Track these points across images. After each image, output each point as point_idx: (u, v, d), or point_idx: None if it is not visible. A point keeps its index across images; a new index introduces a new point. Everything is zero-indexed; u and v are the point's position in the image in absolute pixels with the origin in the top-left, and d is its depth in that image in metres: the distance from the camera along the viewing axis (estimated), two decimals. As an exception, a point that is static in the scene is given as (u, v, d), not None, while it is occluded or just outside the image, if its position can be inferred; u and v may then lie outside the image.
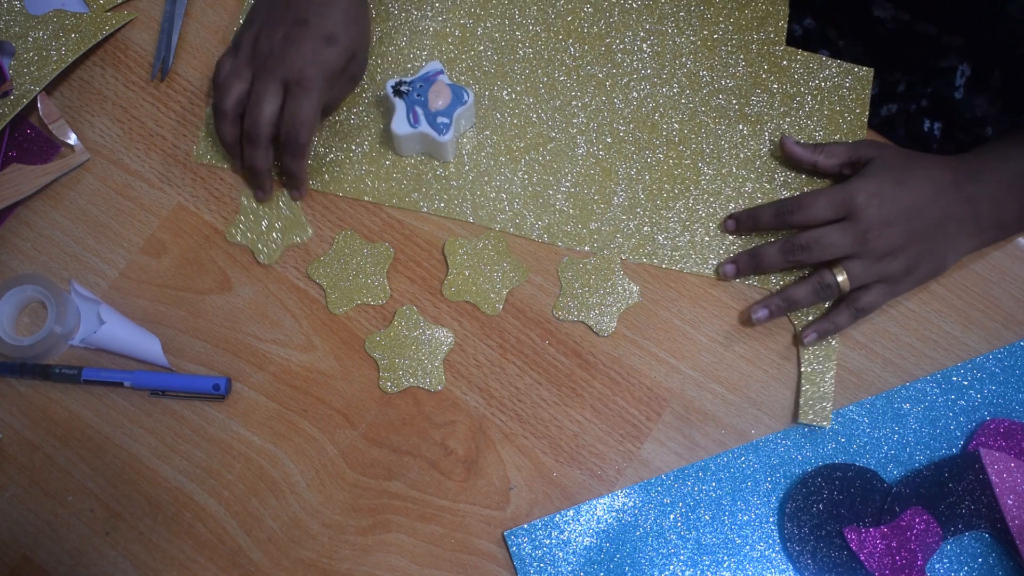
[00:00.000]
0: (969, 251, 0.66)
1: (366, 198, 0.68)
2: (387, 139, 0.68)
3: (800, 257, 0.63)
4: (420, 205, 0.68)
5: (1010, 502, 0.60)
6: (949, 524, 0.61)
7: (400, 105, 0.65)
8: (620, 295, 0.67)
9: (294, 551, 0.63)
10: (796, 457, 0.64)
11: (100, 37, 0.72)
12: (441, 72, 0.66)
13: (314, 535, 0.64)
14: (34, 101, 0.70)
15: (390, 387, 0.65)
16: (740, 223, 0.67)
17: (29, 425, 0.66)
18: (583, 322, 0.66)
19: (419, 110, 0.65)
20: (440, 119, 0.65)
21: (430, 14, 0.72)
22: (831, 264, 0.63)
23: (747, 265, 0.66)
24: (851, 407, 0.65)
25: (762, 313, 0.65)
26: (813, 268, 0.65)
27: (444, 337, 0.66)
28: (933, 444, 0.64)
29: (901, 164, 0.64)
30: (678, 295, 0.67)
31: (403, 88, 0.65)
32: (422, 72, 0.66)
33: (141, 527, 0.64)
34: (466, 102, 0.65)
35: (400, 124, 0.65)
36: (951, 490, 0.61)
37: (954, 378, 0.65)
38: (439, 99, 0.65)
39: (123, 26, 0.73)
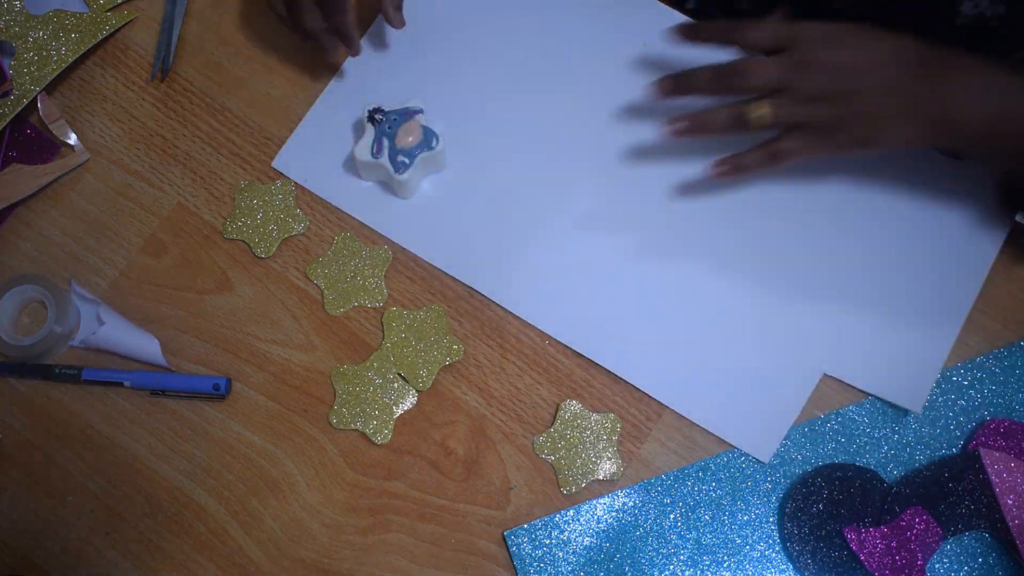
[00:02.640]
0: (908, 140, 0.59)
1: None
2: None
3: (732, 82, 0.59)
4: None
5: (1010, 502, 0.60)
6: (949, 524, 0.61)
7: (370, 132, 0.66)
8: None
9: (294, 551, 0.63)
10: (796, 457, 0.64)
11: (100, 37, 0.72)
12: (421, 112, 0.66)
13: (314, 535, 0.64)
14: (34, 101, 0.70)
15: (334, 421, 0.65)
16: (676, 84, 0.62)
17: (29, 425, 0.66)
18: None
19: (385, 142, 0.65)
20: (401, 157, 0.65)
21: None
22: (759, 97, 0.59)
23: (679, 84, 0.62)
24: (851, 407, 0.65)
25: (679, 125, 0.61)
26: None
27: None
28: (933, 444, 0.64)
29: (866, 28, 0.59)
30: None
31: (377, 116, 0.66)
32: (402, 106, 0.66)
33: (141, 527, 0.64)
34: (434, 148, 0.65)
35: (362, 150, 0.65)
36: (951, 490, 0.61)
37: (954, 378, 0.65)
38: (408, 136, 0.65)
39: (123, 26, 0.73)
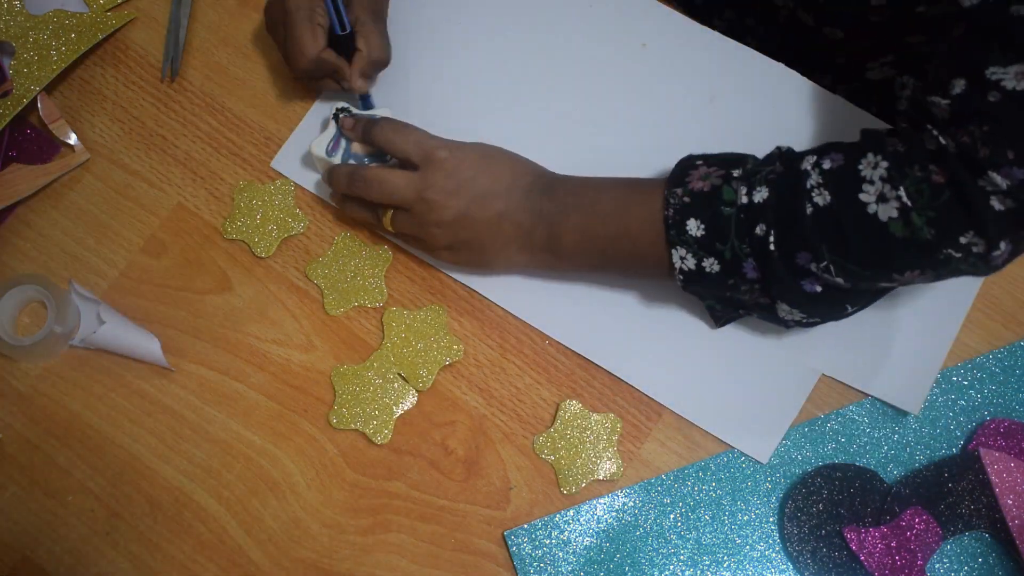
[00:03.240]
0: (521, 266, 0.64)
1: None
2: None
3: (361, 190, 0.63)
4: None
5: (1010, 502, 0.60)
6: (949, 524, 0.61)
7: (331, 130, 0.66)
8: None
9: (294, 551, 0.63)
10: (796, 457, 0.64)
11: (100, 37, 0.72)
12: None
13: (314, 535, 0.64)
14: (34, 101, 0.70)
15: (334, 421, 0.65)
16: (326, 177, 0.67)
17: (29, 425, 0.66)
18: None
19: (343, 143, 0.65)
20: (352, 162, 0.65)
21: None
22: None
23: (325, 176, 0.66)
24: (851, 407, 0.65)
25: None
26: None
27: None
28: (933, 444, 0.64)
29: (494, 152, 0.63)
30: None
31: (341, 115, 0.66)
32: (369, 112, 0.66)
33: (141, 527, 0.64)
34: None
35: (319, 145, 0.65)
36: (951, 490, 0.61)
37: (954, 378, 0.65)
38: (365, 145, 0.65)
39: (123, 26, 0.73)
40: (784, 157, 0.56)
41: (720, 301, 0.62)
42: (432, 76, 0.71)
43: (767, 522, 0.63)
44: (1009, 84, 0.48)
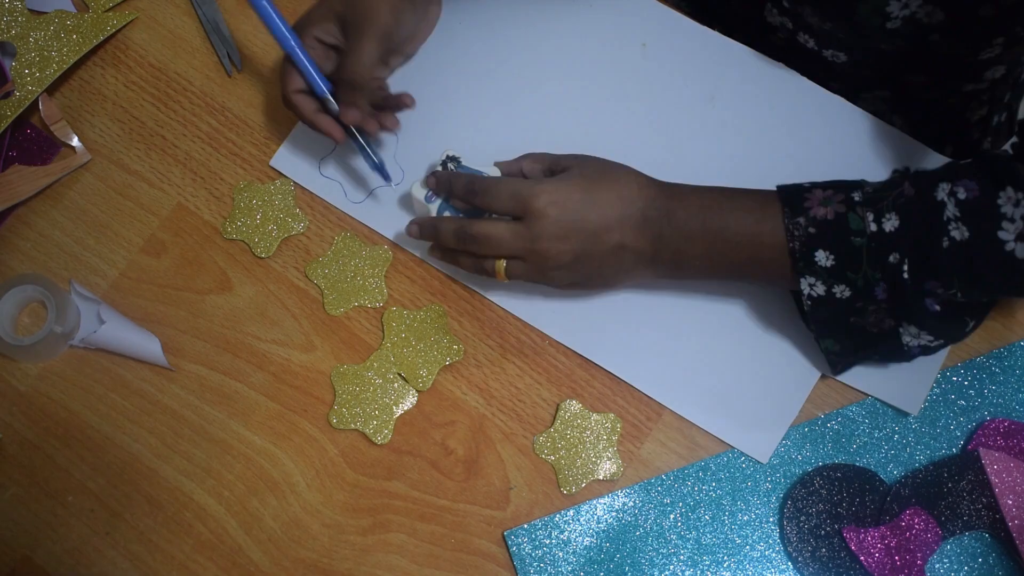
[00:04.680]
0: (646, 279, 0.63)
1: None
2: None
3: (470, 247, 0.61)
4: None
5: (1010, 502, 0.60)
6: (949, 524, 0.61)
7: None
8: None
9: (294, 551, 0.63)
10: (796, 457, 0.64)
11: (101, 38, 0.72)
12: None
13: (314, 535, 0.64)
14: (36, 102, 0.70)
15: (334, 421, 0.65)
16: (422, 231, 0.64)
17: (29, 425, 0.66)
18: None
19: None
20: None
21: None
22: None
23: (427, 231, 0.63)
24: (851, 407, 0.65)
25: (412, 229, 0.63)
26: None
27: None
28: (933, 444, 0.64)
29: (596, 177, 0.60)
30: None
31: (450, 165, 0.64)
32: (477, 168, 0.64)
33: (141, 527, 0.64)
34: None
35: (419, 188, 0.64)
36: (951, 490, 0.61)
37: (954, 378, 0.65)
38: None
39: (124, 26, 0.73)
40: (914, 180, 0.56)
41: (840, 338, 0.61)
42: (430, 77, 0.71)
43: (767, 522, 0.63)
44: None
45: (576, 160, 0.62)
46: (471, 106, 0.71)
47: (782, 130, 0.69)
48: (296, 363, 0.66)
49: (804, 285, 0.57)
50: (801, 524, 0.62)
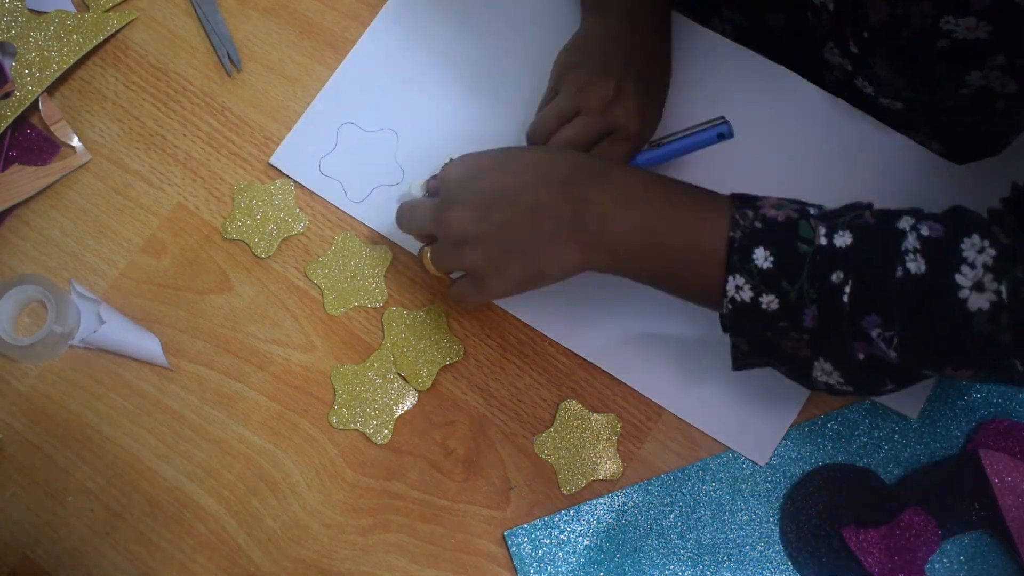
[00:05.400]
0: (575, 266, 0.55)
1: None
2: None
3: (400, 224, 0.61)
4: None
5: (1010, 502, 0.60)
6: (949, 524, 0.61)
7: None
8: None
9: (294, 551, 0.63)
10: (796, 457, 0.64)
11: (102, 38, 0.72)
12: None
13: (314, 535, 0.64)
14: (36, 102, 0.70)
15: (334, 421, 0.65)
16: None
17: (29, 425, 0.66)
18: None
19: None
20: None
21: None
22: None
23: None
24: (851, 407, 0.65)
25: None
26: None
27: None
28: (933, 444, 0.64)
29: (516, 149, 0.56)
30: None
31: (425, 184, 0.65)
32: None
33: (141, 527, 0.64)
34: None
35: (418, 188, 0.64)
36: (951, 490, 0.61)
37: (954, 378, 0.65)
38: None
39: (124, 26, 0.73)
40: (875, 210, 0.51)
41: (752, 344, 0.55)
42: (429, 78, 0.71)
43: (767, 522, 0.63)
44: None
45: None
46: (471, 106, 0.70)
47: (783, 133, 0.69)
48: (296, 363, 0.66)
49: (731, 286, 0.51)
50: (801, 524, 0.62)
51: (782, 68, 0.70)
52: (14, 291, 0.66)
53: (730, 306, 0.52)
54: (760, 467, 0.64)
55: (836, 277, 0.49)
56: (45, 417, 0.66)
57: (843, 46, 0.64)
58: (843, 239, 0.49)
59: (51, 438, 0.65)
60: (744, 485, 0.64)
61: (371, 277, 0.67)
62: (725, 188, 0.55)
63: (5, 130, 0.69)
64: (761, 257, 0.50)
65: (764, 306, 0.51)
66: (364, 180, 0.69)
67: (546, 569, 0.62)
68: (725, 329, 0.55)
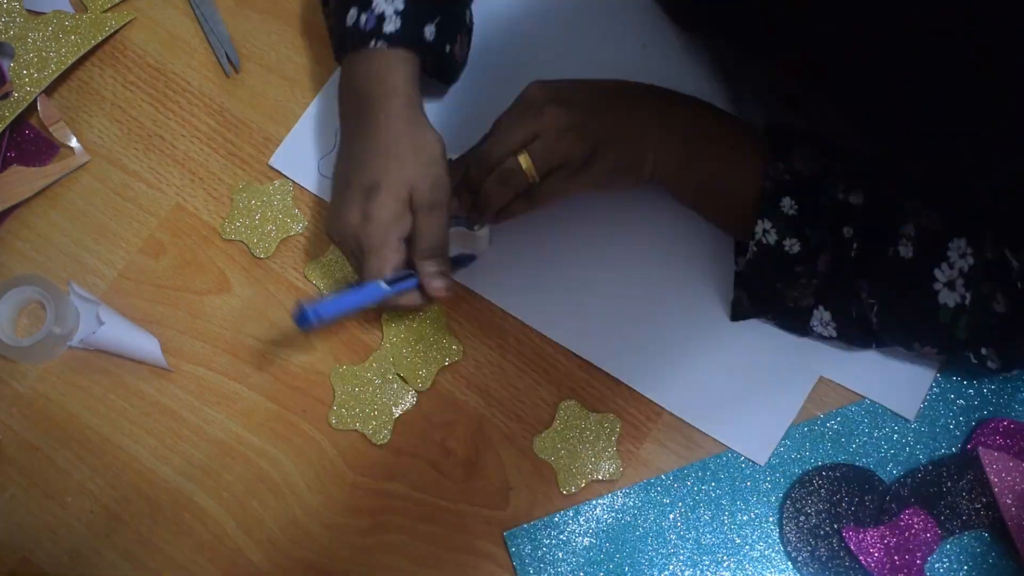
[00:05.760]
0: (671, 161, 0.59)
1: None
2: None
3: (491, 159, 0.58)
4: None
5: (1009, 502, 0.60)
6: (948, 524, 0.61)
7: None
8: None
9: (294, 552, 0.63)
10: (796, 457, 0.64)
11: (100, 38, 0.72)
12: None
13: (314, 536, 0.64)
14: (34, 102, 0.70)
15: (334, 422, 0.65)
16: (478, 208, 0.61)
17: (29, 425, 0.66)
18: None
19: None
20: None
21: None
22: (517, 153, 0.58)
23: (480, 207, 0.61)
24: (851, 407, 0.65)
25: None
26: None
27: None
28: (932, 444, 0.64)
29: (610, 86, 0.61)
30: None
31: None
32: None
33: (141, 528, 0.64)
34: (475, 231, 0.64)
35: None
36: (950, 490, 0.61)
37: (954, 378, 0.65)
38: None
39: (122, 27, 0.73)
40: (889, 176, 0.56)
41: (754, 298, 0.61)
42: (425, 80, 0.71)
43: (767, 522, 0.63)
44: None
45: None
46: (471, 107, 0.70)
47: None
48: (295, 364, 0.66)
49: (759, 228, 0.57)
50: (801, 524, 0.62)
51: None
52: (13, 292, 0.66)
53: (755, 249, 0.57)
54: (760, 467, 0.64)
55: (847, 231, 0.55)
56: (44, 418, 0.66)
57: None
58: (857, 197, 0.55)
59: (50, 439, 0.65)
60: (744, 485, 0.64)
61: (370, 277, 0.67)
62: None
63: (3, 131, 0.69)
64: (788, 205, 0.56)
65: (787, 248, 0.57)
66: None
67: (546, 569, 0.62)
68: (738, 278, 0.61)
